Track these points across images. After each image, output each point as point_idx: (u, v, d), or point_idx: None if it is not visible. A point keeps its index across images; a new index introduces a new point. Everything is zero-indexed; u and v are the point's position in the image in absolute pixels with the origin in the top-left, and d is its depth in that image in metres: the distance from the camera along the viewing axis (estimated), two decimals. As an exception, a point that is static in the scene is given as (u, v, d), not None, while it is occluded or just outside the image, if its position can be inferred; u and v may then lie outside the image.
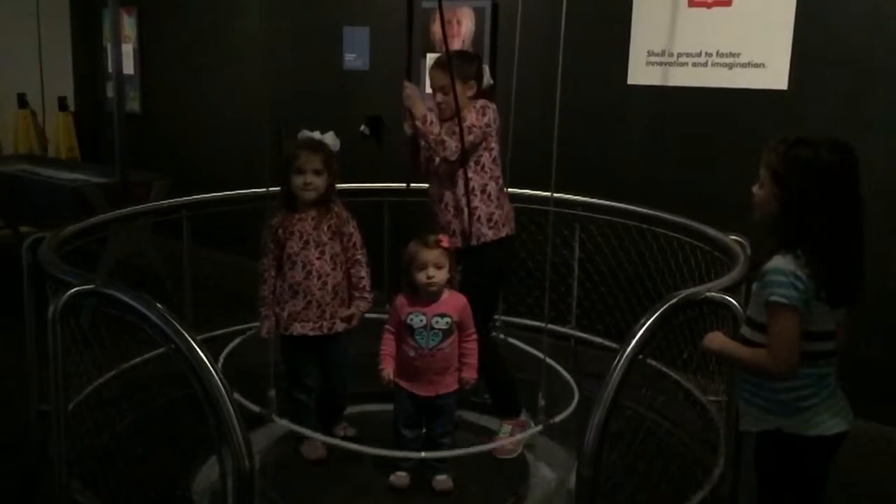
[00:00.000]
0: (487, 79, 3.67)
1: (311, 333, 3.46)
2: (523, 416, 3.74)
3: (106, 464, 3.10)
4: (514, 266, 4.21)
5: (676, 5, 4.60)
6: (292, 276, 3.43)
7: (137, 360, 3.99)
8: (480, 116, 3.48)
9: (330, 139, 3.51)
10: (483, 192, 3.53)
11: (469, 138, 3.43)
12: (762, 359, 2.20)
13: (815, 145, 2.19)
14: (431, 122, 3.46)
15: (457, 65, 3.51)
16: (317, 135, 3.50)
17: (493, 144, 3.53)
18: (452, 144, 3.43)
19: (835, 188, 2.16)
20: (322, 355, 3.55)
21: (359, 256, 3.53)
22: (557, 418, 3.46)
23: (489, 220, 3.54)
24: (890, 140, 4.00)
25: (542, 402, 3.42)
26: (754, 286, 2.28)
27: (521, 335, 4.55)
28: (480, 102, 3.52)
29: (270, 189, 3.36)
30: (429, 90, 3.79)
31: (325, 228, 3.44)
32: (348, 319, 3.50)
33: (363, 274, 3.53)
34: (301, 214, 3.43)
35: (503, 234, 3.59)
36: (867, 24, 4.03)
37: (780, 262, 2.17)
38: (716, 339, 2.39)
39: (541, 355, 3.50)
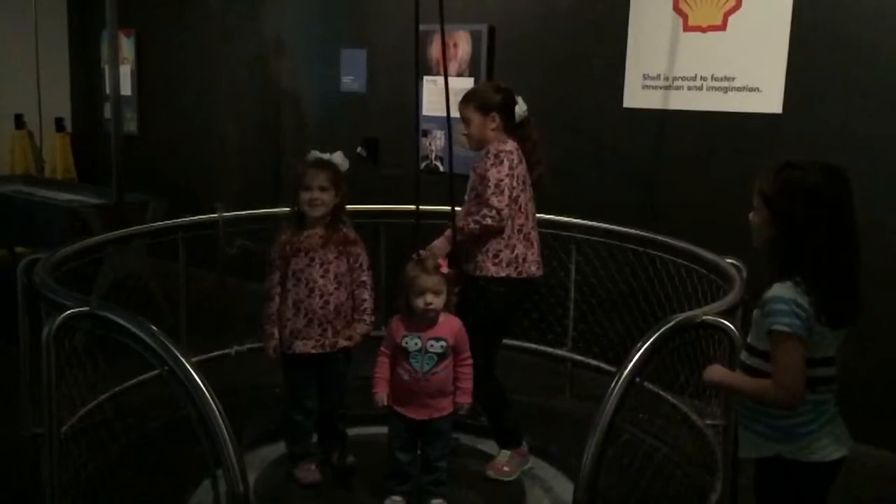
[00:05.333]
0: (522, 112, 3.61)
1: (312, 351, 3.45)
2: (524, 446, 3.72)
3: (99, 487, 3.07)
4: (526, 306, 4.11)
5: (672, 29, 4.64)
6: (295, 293, 3.44)
7: (132, 382, 3.97)
8: (500, 167, 3.41)
9: (338, 158, 3.54)
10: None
11: (503, 197, 3.39)
12: (767, 390, 2.19)
13: (803, 168, 2.20)
14: (464, 228, 3.47)
15: (477, 97, 3.54)
16: (326, 155, 3.53)
17: (514, 184, 3.44)
18: (490, 215, 3.39)
19: (825, 210, 2.16)
20: (323, 375, 3.54)
21: (364, 278, 3.53)
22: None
23: (495, 256, 3.48)
24: (884, 164, 4.01)
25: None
26: (755, 314, 2.27)
27: (518, 357, 4.55)
28: (493, 150, 3.45)
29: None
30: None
31: (332, 247, 3.46)
32: (347, 339, 3.50)
33: (366, 296, 3.53)
34: (309, 232, 3.45)
35: (504, 275, 3.48)
36: (861, 49, 4.06)
37: (780, 291, 2.17)
38: (717, 372, 2.38)
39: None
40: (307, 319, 3.44)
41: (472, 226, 3.46)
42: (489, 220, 3.42)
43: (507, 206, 3.41)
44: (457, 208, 3.58)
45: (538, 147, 3.66)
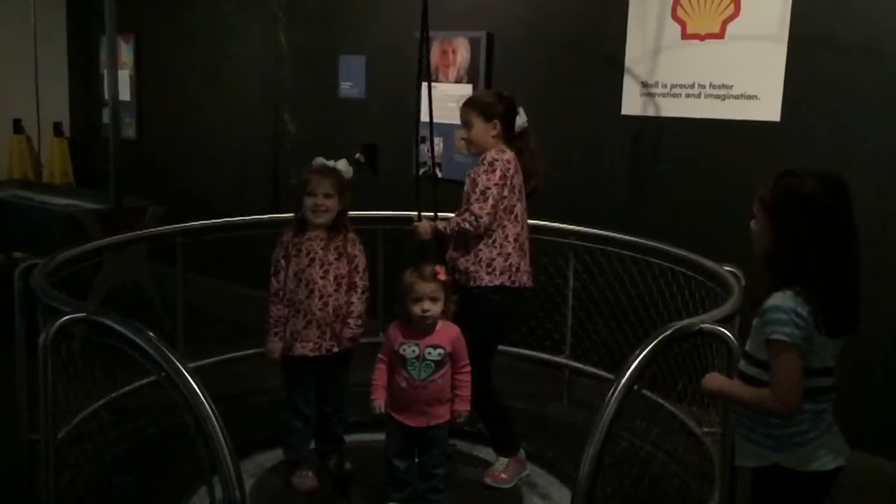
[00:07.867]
0: (522, 122, 3.62)
1: (310, 354, 3.46)
2: (522, 453, 3.72)
3: (95, 493, 3.06)
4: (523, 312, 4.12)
5: (670, 37, 4.64)
6: (295, 294, 3.46)
7: (128, 388, 3.96)
8: (490, 174, 3.42)
9: (342, 166, 3.57)
10: (489, 236, 3.48)
11: (485, 205, 3.40)
12: (764, 399, 2.19)
13: (802, 176, 2.20)
14: (446, 228, 3.53)
15: (480, 103, 3.55)
16: (331, 162, 3.56)
17: (506, 193, 3.45)
18: (469, 220, 3.42)
19: (824, 218, 2.16)
20: (321, 379, 3.54)
21: (356, 280, 3.54)
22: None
23: (488, 265, 3.48)
24: (882, 171, 4.01)
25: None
26: (754, 322, 2.27)
27: (515, 364, 4.54)
28: (489, 157, 3.45)
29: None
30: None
31: (333, 249, 3.48)
32: (339, 344, 3.50)
33: (354, 300, 3.53)
34: (311, 233, 3.48)
35: (498, 283, 3.48)
36: (859, 58, 4.06)
37: (780, 300, 2.16)
38: (715, 380, 2.37)
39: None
40: (306, 321, 3.45)
41: (452, 226, 3.49)
42: (467, 225, 3.43)
43: (488, 214, 3.41)
44: (447, 214, 3.64)
45: (536, 158, 3.66)
